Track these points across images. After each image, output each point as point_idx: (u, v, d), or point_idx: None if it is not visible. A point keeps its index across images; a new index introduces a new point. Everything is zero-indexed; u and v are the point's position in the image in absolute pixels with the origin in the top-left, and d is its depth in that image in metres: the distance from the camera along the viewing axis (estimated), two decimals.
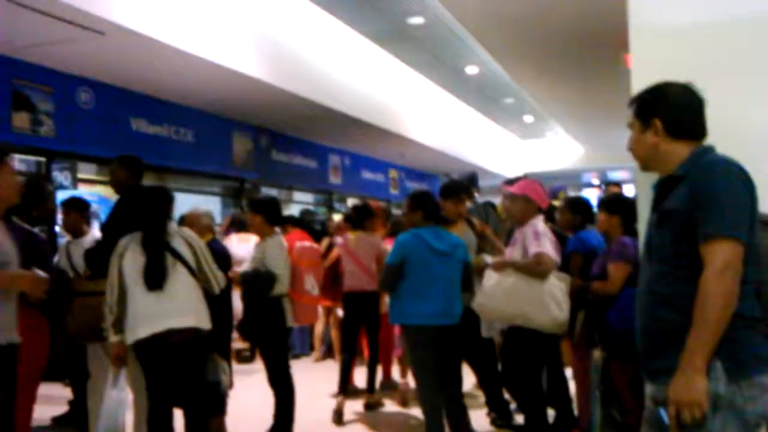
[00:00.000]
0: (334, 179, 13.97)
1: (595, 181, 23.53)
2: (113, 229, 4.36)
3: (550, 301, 3.96)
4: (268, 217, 4.74)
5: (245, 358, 7.91)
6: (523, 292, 3.98)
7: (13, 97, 7.19)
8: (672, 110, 2.27)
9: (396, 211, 9.81)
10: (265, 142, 11.55)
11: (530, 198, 4.23)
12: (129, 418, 4.57)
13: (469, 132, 17.27)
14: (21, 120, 7.28)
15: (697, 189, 2.11)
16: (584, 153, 20.54)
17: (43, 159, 7.80)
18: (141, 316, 3.72)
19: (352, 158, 14.61)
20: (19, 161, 7.93)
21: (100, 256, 4.28)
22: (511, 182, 5.13)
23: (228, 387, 4.59)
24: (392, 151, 14.62)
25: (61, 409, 5.57)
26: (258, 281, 4.57)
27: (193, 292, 3.84)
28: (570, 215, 4.76)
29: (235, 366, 6.54)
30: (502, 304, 4.05)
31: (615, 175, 20.96)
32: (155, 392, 3.83)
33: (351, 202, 14.33)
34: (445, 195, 4.96)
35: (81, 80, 7.99)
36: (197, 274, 3.87)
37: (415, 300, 4.15)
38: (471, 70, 13.46)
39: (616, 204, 4.23)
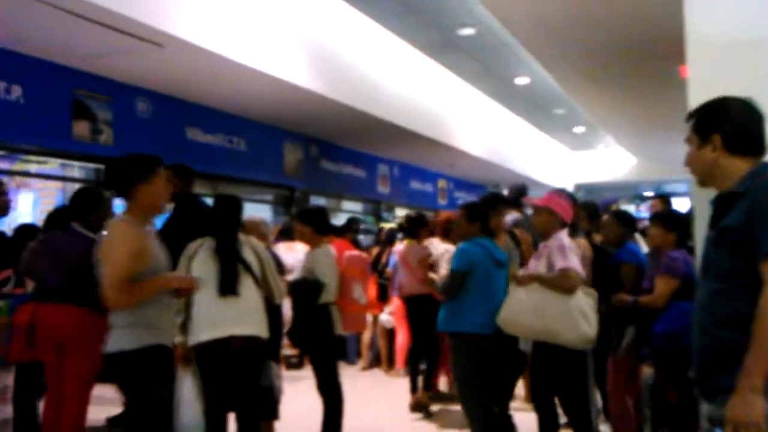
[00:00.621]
0: (383, 189, 14.02)
1: (649, 194, 23.04)
2: (170, 235, 4.49)
3: (578, 317, 3.87)
4: (316, 227, 4.79)
5: (294, 365, 7.98)
6: (550, 308, 3.90)
7: (73, 106, 7.43)
8: (732, 126, 2.22)
9: None
10: (315, 152, 11.67)
11: (553, 211, 4.14)
12: None
13: (519, 143, 17.13)
14: (81, 128, 7.51)
15: (757, 206, 2.07)
16: (637, 164, 20.15)
17: (101, 166, 8.03)
18: (205, 321, 3.81)
19: (401, 168, 14.64)
20: (78, 169, 8.20)
21: None
22: (515, 195, 5.09)
23: (279, 392, 4.66)
24: (441, 161, 14.60)
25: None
26: (306, 289, 4.62)
27: (257, 301, 3.93)
28: (617, 228, 4.70)
29: (284, 372, 6.60)
30: (527, 319, 3.96)
31: (669, 188, 20.50)
32: (211, 395, 3.89)
33: (399, 211, 14.37)
34: (486, 207, 4.94)
35: (139, 90, 8.21)
36: (261, 283, 3.97)
37: (476, 309, 4.15)
38: (521, 80, 13.36)
39: (673, 220, 4.20)
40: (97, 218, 4.31)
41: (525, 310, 3.95)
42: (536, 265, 4.14)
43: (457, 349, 4.30)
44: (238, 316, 3.82)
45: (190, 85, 8.23)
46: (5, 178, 5.90)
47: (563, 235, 4.10)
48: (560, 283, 3.91)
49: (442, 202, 16.38)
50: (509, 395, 4.54)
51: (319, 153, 11.83)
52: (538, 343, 4.19)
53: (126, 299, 2.97)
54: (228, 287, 3.81)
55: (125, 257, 2.96)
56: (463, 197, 17.63)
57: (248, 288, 3.90)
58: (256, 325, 3.89)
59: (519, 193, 6.57)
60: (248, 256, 4.00)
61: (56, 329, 4.10)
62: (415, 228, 6.33)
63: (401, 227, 6.90)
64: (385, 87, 10.48)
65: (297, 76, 8.32)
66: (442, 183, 16.65)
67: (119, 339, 3.04)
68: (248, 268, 3.94)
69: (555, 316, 3.86)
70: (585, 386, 4.64)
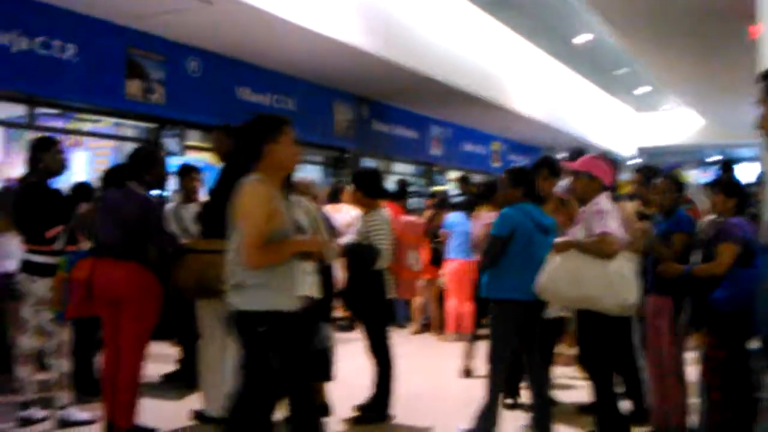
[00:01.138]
0: (435, 150, 13.81)
1: (715, 159, 22.21)
2: (221, 194, 4.47)
3: (618, 282, 3.75)
4: (370, 190, 4.71)
5: (344, 327, 7.97)
6: (588, 274, 3.77)
7: (127, 65, 7.43)
8: None
9: None
10: (365, 112, 11.52)
11: (594, 175, 4.00)
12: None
13: (578, 104, 16.63)
14: (134, 87, 7.52)
15: None
16: (703, 127, 19.37)
17: (154, 126, 8.06)
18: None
19: (454, 129, 14.38)
20: (132, 128, 8.26)
21: (212, 217, 4.44)
22: (573, 158, 4.88)
23: (331, 354, 4.64)
24: (496, 123, 14.28)
25: (170, 367, 5.78)
26: (361, 255, 4.57)
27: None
28: (672, 193, 4.47)
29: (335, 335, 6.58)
30: (565, 287, 3.84)
31: (736, 153, 19.70)
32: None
33: (451, 174, 14.16)
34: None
35: (190, 49, 8.17)
36: None
37: (517, 274, 4.04)
38: (582, 38, 12.90)
39: (734, 187, 4.14)
40: (152, 177, 4.34)
41: (562, 277, 3.84)
42: (575, 231, 4.02)
43: (494, 315, 4.21)
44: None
45: (240, 43, 8.16)
46: (60, 137, 5.94)
47: (602, 199, 3.96)
48: (598, 248, 3.78)
49: (495, 165, 16.08)
50: (546, 362, 4.45)
51: (370, 113, 11.67)
52: (580, 311, 4.08)
53: (262, 260, 2.97)
54: None
55: (261, 217, 2.96)
56: (518, 160, 17.29)
57: None
58: (309, 285, 3.87)
59: (577, 157, 6.34)
60: (299, 216, 3.96)
61: (113, 285, 4.14)
62: (491, 193, 6.13)
63: (478, 194, 6.73)
64: (438, 45, 10.22)
65: (348, 34, 8.15)
66: (495, 145, 16.32)
67: (244, 298, 3.03)
68: (299, 228, 3.91)
69: (593, 282, 3.75)
70: (630, 353, 4.49)
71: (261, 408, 3.04)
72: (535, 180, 4.37)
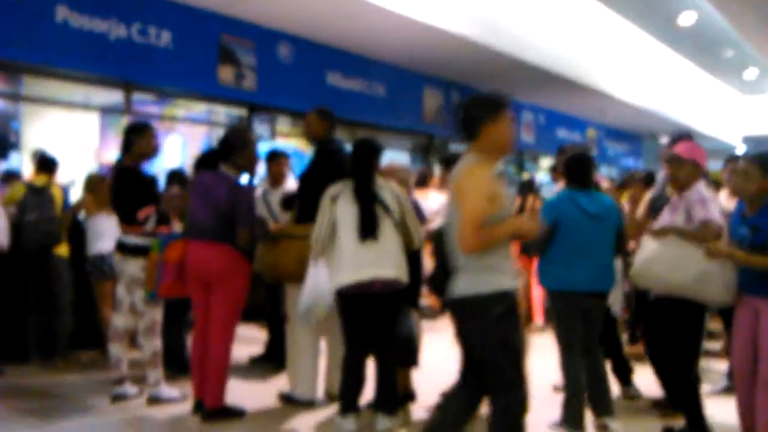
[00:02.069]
0: (527, 137, 13.43)
1: None
2: (313, 178, 4.52)
3: (720, 272, 3.64)
4: None
5: (430, 315, 7.85)
6: (691, 261, 3.68)
7: (219, 51, 7.54)
8: None
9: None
10: (455, 98, 11.31)
11: (698, 163, 3.94)
12: (322, 364, 4.66)
13: (680, 88, 15.80)
14: (226, 73, 7.63)
15: None
16: None
17: (245, 112, 8.16)
18: (348, 263, 3.89)
19: (547, 115, 13.94)
20: (223, 114, 8.39)
21: (303, 202, 4.53)
22: (675, 142, 4.57)
23: (418, 341, 4.56)
24: (591, 107, 13.75)
25: (258, 350, 5.83)
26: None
27: (397, 245, 3.99)
28: (760, 179, 4.01)
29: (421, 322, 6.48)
30: (666, 272, 3.77)
31: None
32: (352, 338, 4.05)
33: (544, 162, 13.76)
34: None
35: (281, 35, 8.22)
36: (400, 228, 4.01)
37: (566, 265, 3.95)
38: (686, 17, 12.19)
39: None
40: (243, 160, 4.34)
41: (662, 263, 3.78)
42: (672, 218, 3.96)
43: (552, 305, 4.20)
44: (381, 260, 3.88)
45: (330, 29, 8.13)
46: (154, 122, 6.07)
47: (702, 187, 3.91)
48: (702, 235, 3.70)
49: (592, 152, 15.53)
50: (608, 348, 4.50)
51: (460, 99, 11.45)
52: (661, 299, 3.99)
53: (482, 243, 2.86)
54: (368, 231, 3.89)
55: (481, 200, 2.85)
56: (615, 148, 16.64)
57: (388, 231, 3.95)
58: (397, 269, 3.94)
59: (679, 141, 6.00)
60: (388, 199, 4.02)
61: (204, 266, 4.18)
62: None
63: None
64: (532, 27, 9.88)
65: (439, 18, 7.99)
66: (591, 132, 15.73)
67: (472, 282, 2.95)
68: (388, 211, 3.99)
69: (697, 270, 3.66)
70: (699, 344, 4.25)
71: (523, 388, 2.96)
72: (588, 167, 4.15)
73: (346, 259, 3.90)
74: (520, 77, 10.68)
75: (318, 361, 4.60)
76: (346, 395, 4.03)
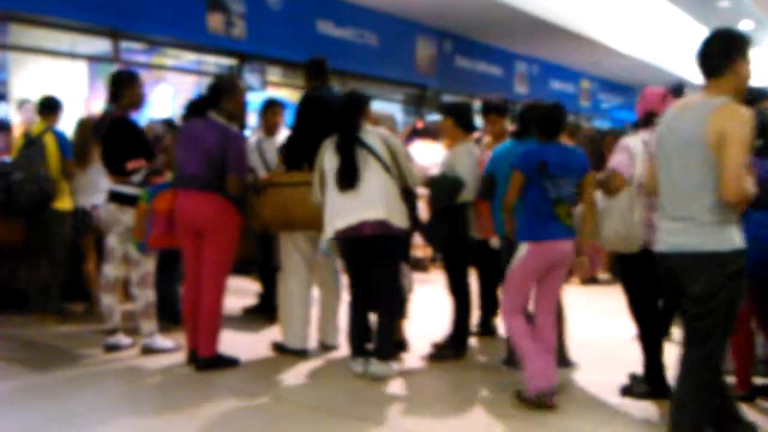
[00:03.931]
0: (520, 88, 13.32)
1: None
2: (297, 126, 4.60)
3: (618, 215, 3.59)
4: (458, 120, 4.55)
5: (421, 267, 7.89)
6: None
7: None
8: None
9: (585, 125, 9.13)
10: (448, 47, 11.16)
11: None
12: (314, 313, 4.69)
13: (676, 39, 15.63)
14: (215, 21, 7.48)
15: None
16: None
17: (235, 61, 8.03)
18: (337, 211, 4.01)
19: (541, 66, 13.81)
20: (213, 64, 8.26)
21: (293, 151, 4.59)
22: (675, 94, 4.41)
23: (408, 292, 4.59)
24: (585, 58, 13.61)
25: (251, 301, 5.85)
26: (444, 185, 4.43)
27: (387, 189, 4.02)
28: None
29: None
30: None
31: None
32: (353, 283, 4.18)
33: None
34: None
35: None
36: (392, 171, 4.05)
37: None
38: None
39: None
40: (232, 106, 4.27)
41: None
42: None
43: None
44: (367, 202, 3.96)
45: None
46: (143, 72, 5.96)
47: (629, 137, 3.74)
48: (605, 183, 3.61)
49: (584, 104, 15.44)
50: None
51: (453, 49, 11.30)
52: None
53: (744, 193, 2.65)
54: (345, 182, 3.97)
55: (747, 147, 2.64)
56: (609, 100, 16.55)
57: (376, 177, 4.00)
58: (386, 210, 3.98)
59: (675, 93, 5.93)
60: (376, 144, 4.05)
61: (194, 215, 4.16)
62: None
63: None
64: None
65: None
66: (585, 83, 15.63)
67: (710, 237, 2.71)
68: (376, 156, 4.02)
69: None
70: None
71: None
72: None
73: (335, 208, 4.01)
74: (514, 27, 10.54)
75: (309, 311, 4.62)
76: (353, 339, 4.16)
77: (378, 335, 4.14)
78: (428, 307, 5.52)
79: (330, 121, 4.18)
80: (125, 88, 4.52)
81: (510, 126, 4.87)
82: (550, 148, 3.65)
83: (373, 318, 4.19)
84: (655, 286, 3.53)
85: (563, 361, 4.25)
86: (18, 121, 6.80)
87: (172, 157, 4.54)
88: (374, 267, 4.09)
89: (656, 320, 3.79)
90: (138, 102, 4.63)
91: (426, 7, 9.46)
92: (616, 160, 3.57)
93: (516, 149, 3.99)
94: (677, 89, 6.02)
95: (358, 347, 4.15)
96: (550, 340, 3.68)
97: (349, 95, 4.23)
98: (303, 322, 4.57)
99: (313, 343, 4.66)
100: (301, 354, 4.53)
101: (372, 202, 3.96)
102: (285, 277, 4.62)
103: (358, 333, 4.16)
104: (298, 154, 4.50)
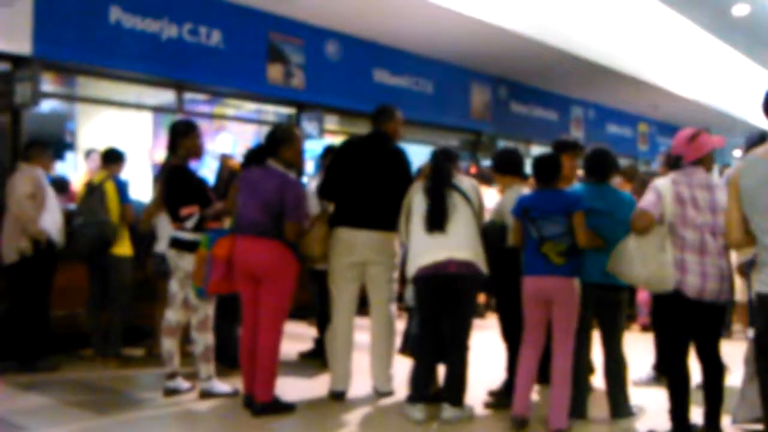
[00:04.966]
0: (576, 132, 13.18)
1: None
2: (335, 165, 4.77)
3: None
4: (502, 168, 4.62)
5: (477, 313, 7.78)
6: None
7: (268, 50, 7.60)
8: None
9: (643, 169, 8.96)
10: (503, 93, 11.19)
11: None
12: (365, 360, 4.64)
13: (736, 81, 15.33)
14: (275, 72, 7.69)
15: None
16: None
17: (293, 110, 8.21)
18: (422, 249, 4.11)
19: (597, 110, 13.69)
20: (273, 113, 8.46)
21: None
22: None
23: None
24: (643, 102, 13.44)
25: (308, 346, 5.86)
26: (492, 232, 4.42)
27: (474, 233, 4.18)
28: None
29: None
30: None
31: None
32: (426, 325, 4.21)
33: None
34: None
35: (329, 33, 8.25)
36: (477, 218, 4.22)
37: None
38: (740, 9, 11.84)
39: None
40: (290, 154, 4.35)
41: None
42: None
43: None
44: (455, 243, 4.07)
45: (378, 25, 8.13)
46: (205, 121, 6.15)
47: (660, 178, 3.88)
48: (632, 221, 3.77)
49: (642, 148, 15.18)
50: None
51: (508, 94, 11.32)
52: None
53: None
54: (435, 224, 4.09)
55: None
56: (667, 143, 16.24)
57: (465, 219, 4.14)
58: (472, 253, 4.09)
59: (758, 142, 5.72)
60: (468, 189, 4.25)
61: (253, 261, 4.21)
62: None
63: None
64: (578, 20, 9.71)
65: (484, 11, 7.91)
66: (643, 127, 15.38)
67: None
68: (467, 200, 4.19)
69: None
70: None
71: None
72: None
73: (420, 246, 4.13)
74: (570, 71, 10.51)
75: (350, 352, 4.60)
76: (416, 383, 4.13)
77: (450, 380, 4.10)
78: (485, 354, 5.42)
79: (357, 164, 4.51)
80: (182, 138, 4.66)
81: None
82: (534, 195, 4.09)
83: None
84: (686, 329, 3.66)
85: (625, 409, 4.16)
86: (84, 170, 7.07)
87: (232, 204, 4.64)
88: (453, 308, 4.13)
89: (683, 363, 3.74)
90: (195, 151, 4.75)
91: (480, 54, 9.54)
92: (645, 200, 3.69)
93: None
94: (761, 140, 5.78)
95: (421, 392, 4.11)
96: (562, 375, 3.93)
97: (443, 150, 4.46)
98: (343, 363, 4.56)
99: (367, 389, 4.63)
100: (338, 396, 4.50)
101: (459, 243, 4.07)
102: (331, 323, 4.64)
103: (424, 378, 4.14)
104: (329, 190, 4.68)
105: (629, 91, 12.18)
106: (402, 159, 4.65)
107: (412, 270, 4.14)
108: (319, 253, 4.49)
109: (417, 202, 4.21)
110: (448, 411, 4.05)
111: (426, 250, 4.08)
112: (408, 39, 8.74)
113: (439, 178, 4.22)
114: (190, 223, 4.56)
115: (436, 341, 4.18)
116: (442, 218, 4.08)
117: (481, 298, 7.42)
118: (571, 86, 11.92)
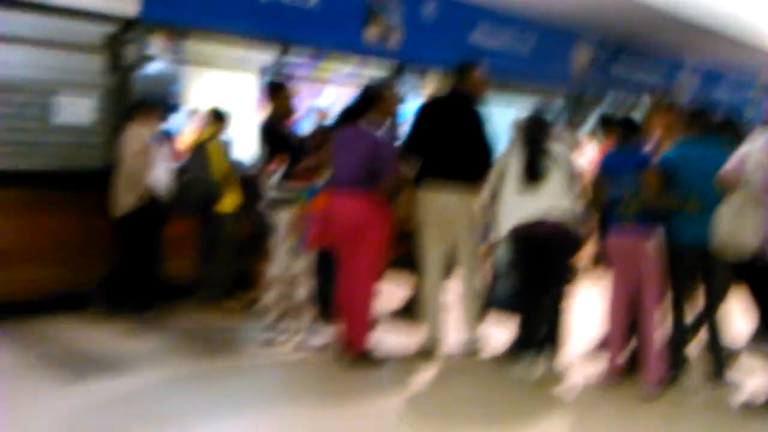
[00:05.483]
0: (682, 99, 12.61)
1: None
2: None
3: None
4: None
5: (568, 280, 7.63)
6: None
7: (366, 11, 7.62)
8: None
9: None
10: (605, 56, 10.80)
11: None
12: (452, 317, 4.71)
13: None
14: (372, 32, 7.71)
15: None
16: None
17: (390, 71, 8.22)
18: (515, 208, 4.19)
19: (704, 75, 13.01)
20: (369, 75, 8.49)
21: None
22: None
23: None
24: (753, 67, 12.66)
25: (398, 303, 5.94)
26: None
27: (566, 193, 4.20)
28: None
29: None
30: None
31: None
32: (526, 280, 4.31)
33: None
34: None
35: None
36: (569, 183, 4.24)
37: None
38: None
39: None
40: (381, 114, 4.45)
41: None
42: None
43: None
44: (549, 199, 4.13)
45: None
46: (305, 83, 6.22)
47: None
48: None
49: (751, 113, 14.34)
50: None
51: (611, 57, 10.92)
52: None
53: None
54: (532, 176, 4.16)
55: None
56: None
57: (557, 179, 4.18)
58: (564, 212, 4.14)
59: None
60: (561, 156, 4.27)
61: (349, 215, 4.33)
62: None
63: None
64: None
65: None
66: (753, 92, 14.52)
67: None
68: (557, 162, 4.22)
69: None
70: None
71: None
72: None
73: (510, 206, 4.20)
74: (675, 34, 10.02)
75: (440, 311, 4.68)
76: (524, 338, 4.27)
77: (551, 330, 4.26)
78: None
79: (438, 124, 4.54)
80: (272, 98, 4.80)
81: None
82: (613, 155, 4.30)
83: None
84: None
85: (722, 378, 4.15)
86: (190, 130, 7.34)
87: (324, 160, 4.74)
88: (547, 268, 4.20)
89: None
90: (284, 111, 4.87)
91: (582, 16, 9.21)
92: (731, 162, 3.69)
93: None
94: None
95: (530, 344, 4.23)
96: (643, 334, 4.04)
97: (535, 117, 4.45)
98: (432, 320, 4.62)
99: (456, 346, 4.71)
100: (428, 353, 4.56)
101: (553, 201, 4.13)
102: (423, 279, 4.72)
103: (532, 331, 4.26)
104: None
105: (740, 55, 11.50)
106: (476, 120, 4.60)
107: (503, 230, 4.19)
108: (405, 215, 4.58)
109: (514, 159, 4.28)
110: (541, 363, 4.19)
111: (518, 209, 4.14)
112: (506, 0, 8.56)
113: (537, 140, 4.25)
114: (275, 178, 4.71)
115: (535, 297, 4.25)
116: (537, 174, 4.16)
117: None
118: (676, 50, 11.37)
